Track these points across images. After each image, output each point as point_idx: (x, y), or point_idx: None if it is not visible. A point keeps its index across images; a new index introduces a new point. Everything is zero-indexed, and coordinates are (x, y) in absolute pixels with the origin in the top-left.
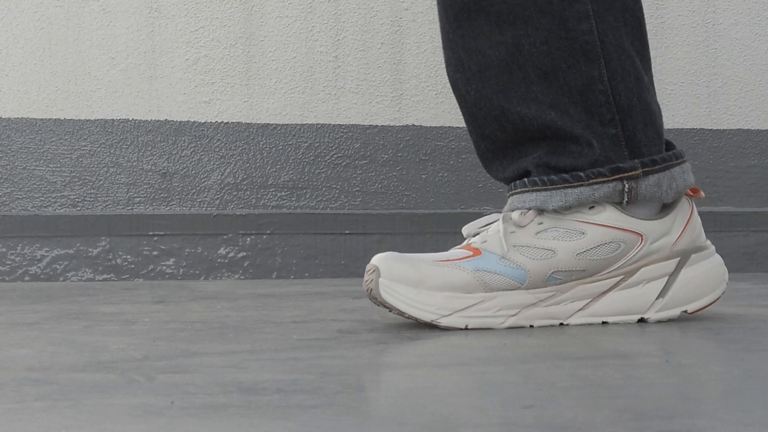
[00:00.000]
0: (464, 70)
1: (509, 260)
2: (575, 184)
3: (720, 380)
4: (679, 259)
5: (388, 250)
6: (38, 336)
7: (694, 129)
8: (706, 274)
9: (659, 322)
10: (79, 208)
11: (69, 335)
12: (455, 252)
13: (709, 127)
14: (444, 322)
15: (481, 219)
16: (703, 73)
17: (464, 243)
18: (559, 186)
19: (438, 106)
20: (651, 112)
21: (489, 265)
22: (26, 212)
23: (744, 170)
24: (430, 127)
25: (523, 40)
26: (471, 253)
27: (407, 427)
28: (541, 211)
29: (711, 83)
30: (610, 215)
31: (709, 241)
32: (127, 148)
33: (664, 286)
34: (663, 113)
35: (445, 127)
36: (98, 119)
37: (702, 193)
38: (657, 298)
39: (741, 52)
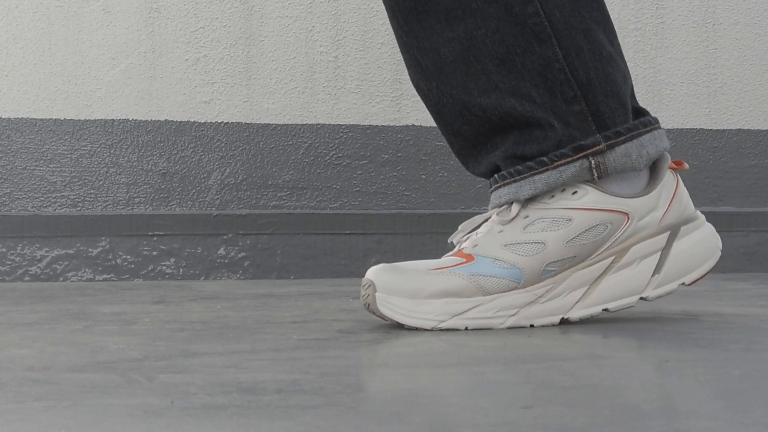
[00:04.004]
0: (423, 70)
1: (503, 261)
2: (541, 169)
3: (720, 380)
4: (669, 233)
5: (388, 250)
6: (38, 336)
7: (694, 129)
8: (699, 245)
9: (658, 297)
10: (79, 208)
11: (69, 335)
12: (448, 259)
13: (709, 127)
14: (444, 326)
15: (466, 224)
16: (703, 73)
17: (455, 250)
18: (526, 175)
19: None
20: (612, 83)
21: (483, 269)
22: (26, 212)
23: (744, 170)
24: (430, 127)
25: (475, 32)
26: (464, 260)
27: (407, 427)
28: (525, 204)
29: (711, 83)
30: (593, 198)
31: (698, 212)
32: (127, 148)
33: (658, 261)
34: (663, 113)
35: None
36: (98, 119)
37: (686, 165)
38: (653, 275)
39: (741, 52)
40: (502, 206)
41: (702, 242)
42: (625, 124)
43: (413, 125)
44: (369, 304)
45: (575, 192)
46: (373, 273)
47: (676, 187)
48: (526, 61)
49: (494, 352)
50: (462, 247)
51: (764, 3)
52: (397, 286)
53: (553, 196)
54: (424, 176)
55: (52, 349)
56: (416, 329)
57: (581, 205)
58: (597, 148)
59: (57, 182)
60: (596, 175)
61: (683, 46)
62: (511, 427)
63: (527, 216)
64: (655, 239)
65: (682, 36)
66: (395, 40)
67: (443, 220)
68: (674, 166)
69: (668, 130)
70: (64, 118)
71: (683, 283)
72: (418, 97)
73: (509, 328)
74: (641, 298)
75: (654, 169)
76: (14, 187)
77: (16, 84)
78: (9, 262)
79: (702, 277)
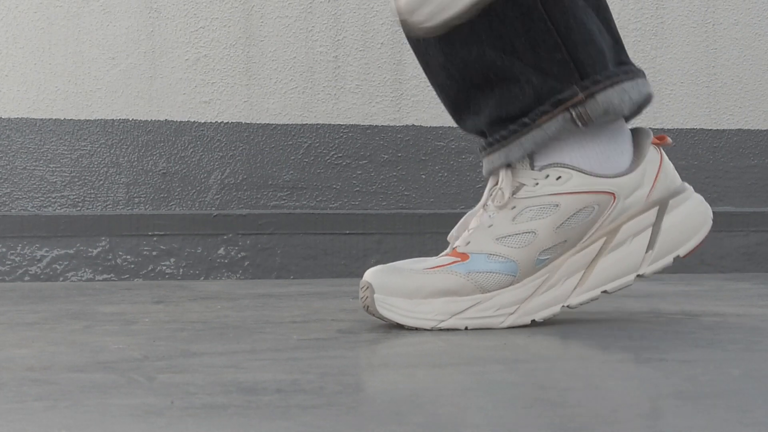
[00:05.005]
0: None
1: (497, 255)
2: (525, 131)
3: (720, 380)
4: (657, 208)
5: (388, 250)
6: (38, 336)
7: (694, 129)
8: (689, 216)
9: (655, 273)
10: (79, 208)
11: (69, 335)
12: (443, 258)
13: (709, 127)
14: (443, 326)
15: (459, 227)
16: (703, 73)
17: (447, 250)
18: (511, 138)
19: (438, 106)
20: (588, 31)
21: (479, 265)
22: (26, 212)
23: (744, 170)
24: (430, 127)
25: None
26: (459, 258)
27: (407, 427)
28: (513, 193)
29: (711, 83)
30: (577, 181)
31: (685, 183)
32: (127, 148)
33: (650, 237)
34: (663, 113)
35: (445, 127)
36: (98, 119)
37: (669, 140)
38: (647, 252)
39: (741, 52)
40: (496, 170)
41: (692, 213)
42: (604, 71)
43: (413, 125)
44: (368, 306)
45: (559, 177)
46: (370, 275)
47: (661, 162)
48: (507, 10)
49: (494, 352)
50: (455, 245)
51: (764, 3)
52: (395, 286)
53: (537, 184)
54: (424, 176)
55: (52, 349)
56: (416, 329)
57: (566, 190)
58: (575, 99)
59: (57, 182)
60: (580, 124)
61: (683, 46)
62: (511, 427)
63: (514, 207)
64: (644, 216)
65: (682, 36)
66: (395, 41)
67: (443, 220)
68: (657, 141)
69: (668, 130)
70: (64, 118)
71: (678, 256)
72: (418, 98)
73: (510, 327)
74: (638, 276)
75: (637, 146)
76: (14, 187)
77: (16, 84)
78: (9, 262)
79: (696, 247)
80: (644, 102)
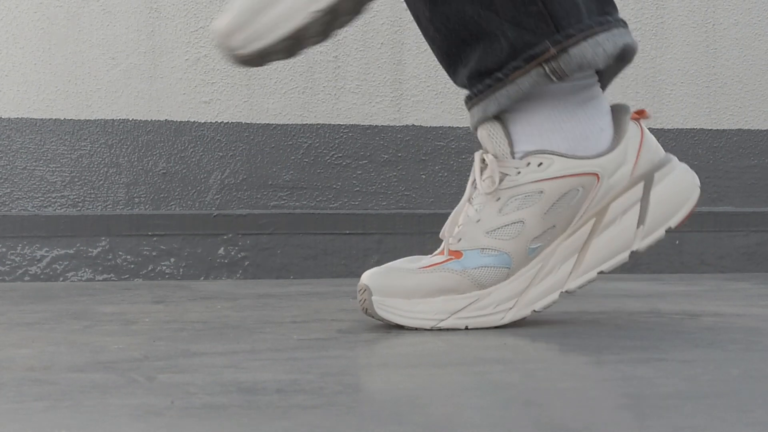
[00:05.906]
0: None
1: (490, 249)
2: (499, 86)
3: (720, 380)
4: (643, 182)
5: (388, 250)
6: (38, 336)
7: (694, 129)
8: (676, 186)
9: (649, 247)
10: (79, 208)
11: (69, 335)
12: (438, 257)
13: (709, 127)
14: (443, 325)
15: (449, 221)
16: (703, 73)
17: (439, 249)
18: (487, 93)
19: (438, 106)
20: None
21: (473, 261)
22: (26, 212)
23: (744, 170)
24: (430, 127)
25: None
26: (452, 256)
27: (407, 427)
28: (499, 180)
29: (711, 83)
30: (559, 165)
31: (669, 154)
32: (127, 148)
33: (640, 213)
34: (663, 113)
35: (445, 127)
36: (98, 119)
37: (647, 113)
38: (638, 227)
39: (741, 52)
40: (479, 124)
41: (679, 183)
42: (578, 24)
43: (413, 125)
44: (366, 309)
45: (541, 164)
46: (367, 277)
47: (642, 136)
48: None
49: (494, 352)
50: (448, 244)
51: (764, 3)
52: (393, 287)
53: (519, 172)
54: (424, 176)
55: (52, 349)
56: (416, 329)
57: (549, 175)
58: (547, 54)
59: (57, 182)
60: (555, 78)
61: (683, 46)
62: (510, 427)
63: (499, 198)
64: (630, 192)
65: (682, 36)
66: (395, 41)
67: (443, 220)
68: (636, 116)
69: (668, 130)
70: (64, 118)
71: (670, 227)
72: (418, 98)
73: (511, 321)
74: (632, 252)
75: (616, 123)
76: (14, 187)
77: (16, 84)
78: (9, 262)
79: (687, 217)
80: (622, 54)
